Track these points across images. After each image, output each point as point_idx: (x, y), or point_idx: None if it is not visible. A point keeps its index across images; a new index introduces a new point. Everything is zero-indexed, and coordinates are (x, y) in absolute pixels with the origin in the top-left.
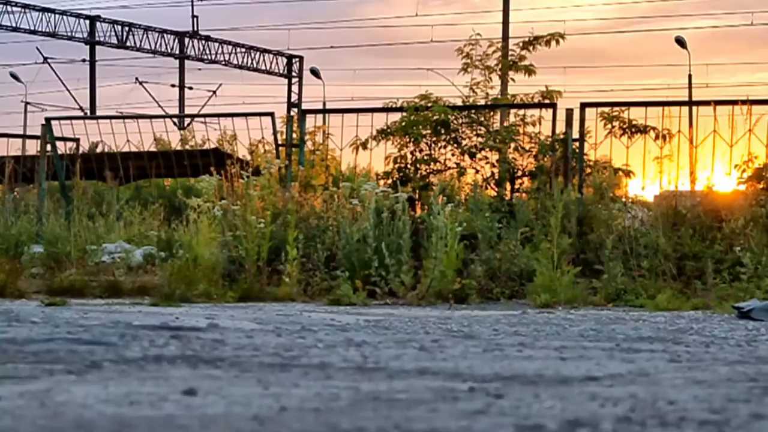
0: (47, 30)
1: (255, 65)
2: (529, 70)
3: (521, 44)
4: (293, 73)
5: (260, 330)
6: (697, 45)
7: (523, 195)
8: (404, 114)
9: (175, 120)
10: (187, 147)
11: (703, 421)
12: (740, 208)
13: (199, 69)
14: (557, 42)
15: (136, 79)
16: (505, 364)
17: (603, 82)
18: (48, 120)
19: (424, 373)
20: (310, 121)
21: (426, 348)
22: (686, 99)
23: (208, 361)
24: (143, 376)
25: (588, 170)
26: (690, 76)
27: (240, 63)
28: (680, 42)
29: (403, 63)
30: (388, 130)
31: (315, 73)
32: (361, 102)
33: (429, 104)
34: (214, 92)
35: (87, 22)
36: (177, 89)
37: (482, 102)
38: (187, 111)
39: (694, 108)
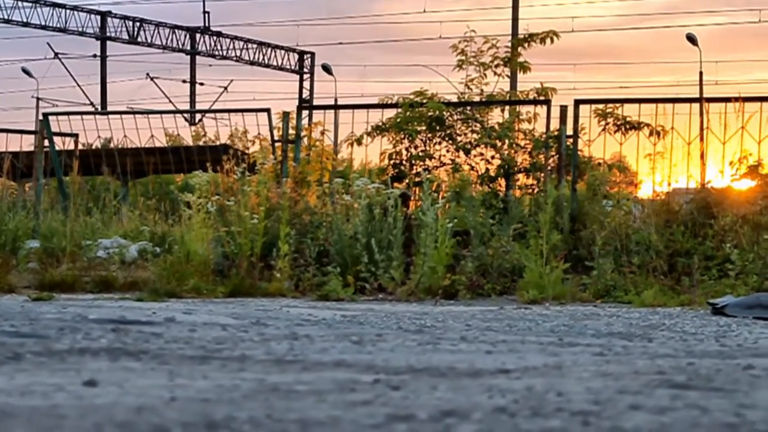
0: (58, 25)
1: (266, 61)
2: (524, 67)
3: (516, 41)
4: (305, 69)
5: (211, 324)
6: (708, 42)
7: (517, 191)
8: (399, 110)
9: (186, 116)
10: (199, 143)
11: (578, 412)
12: (732, 205)
13: (210, 65)
14: (552, 40)
15: (147, 74)
16: (425, 357)
17: (614, 79)
18: (45, 115)
19: (339, 366)
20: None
21: (362, 342)
22: (682, 96)
23: (131, 354)
24: (57, 368)
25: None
26: (701, 73)
27: (251, 59)
28: (691, 39)
29: (413, 59)
30: (383, 126)
31: (326, 69)
32: (370, 98)
33: (424, 100)
34: (225, 88)
35: (98, 17)
36: (188, 85)
37: (477, 99)
38: (198, 107)
39: (688, 105)
